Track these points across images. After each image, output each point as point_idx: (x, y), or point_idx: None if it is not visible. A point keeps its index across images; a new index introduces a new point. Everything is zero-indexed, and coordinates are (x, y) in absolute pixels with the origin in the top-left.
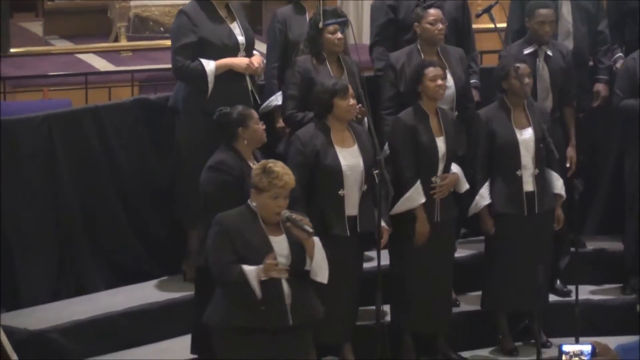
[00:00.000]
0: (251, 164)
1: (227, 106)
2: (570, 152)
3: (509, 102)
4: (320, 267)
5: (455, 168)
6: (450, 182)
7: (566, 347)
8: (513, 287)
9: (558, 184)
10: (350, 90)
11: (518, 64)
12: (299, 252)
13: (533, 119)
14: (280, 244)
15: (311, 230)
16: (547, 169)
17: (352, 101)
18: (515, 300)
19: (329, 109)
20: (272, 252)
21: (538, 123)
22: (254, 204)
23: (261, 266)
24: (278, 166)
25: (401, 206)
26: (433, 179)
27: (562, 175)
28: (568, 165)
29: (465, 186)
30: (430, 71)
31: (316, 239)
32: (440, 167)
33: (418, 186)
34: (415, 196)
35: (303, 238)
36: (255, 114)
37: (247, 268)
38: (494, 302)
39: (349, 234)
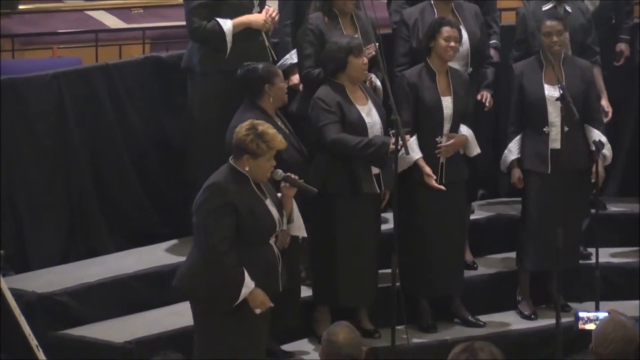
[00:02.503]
0: (277, 121)
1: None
2: (605, 103)
3: (543, 58)
4: (300, 222)
5: (465, 130)
6: (456, 143)
7: (582, 314)
8: (536, 246)
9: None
10: (364, 48)
11: (548, 21)
12: (280, 213)
13: (568, 76)
14: (271, 207)
15: (314, 189)
16: (586, 125)
17: (365, 59)
18: (538, 260)
19: (343, 67)
20: (274, 226)
21: (574, 80)
22: (247, 168)
23: (254, 291)
24: (267, 127)
25: (399, 166)
26: (437, 139)
27: None
28: (607, 110)
29: (476, 150)
30: (446, 30)
31: None
32: (447, 127)
33: (411, 142)
34: (409, 153)
35: (290, 196)
36: (280, 72)
37: (247, 280)
38: (519, 260)
39: (378, 191)
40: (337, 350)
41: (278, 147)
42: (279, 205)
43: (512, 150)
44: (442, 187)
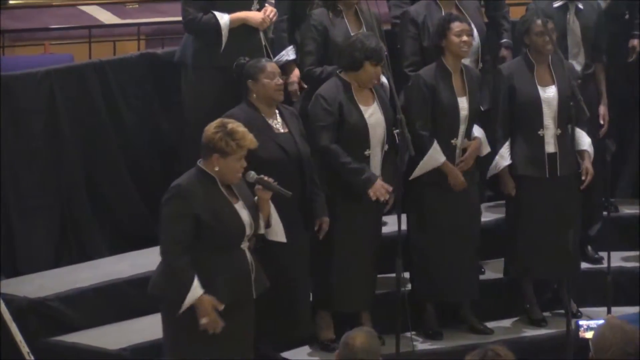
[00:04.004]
0: (270, 122)
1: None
2: (603, 109)
3: (532, 58)
4: (280, 227)
5: (477, 132)
6: (474, 150)
7: (582, 322)
8: (537, 254)
9: (586, 141)
10: (384, 60)
11: (539, 20)
12: (254, 216)
13: (558, 77)
14: (241, 210)
15: (289, 192)
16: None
17: (379, 71)
18: (540, 267)
19: (356, 68)
20: (243, 230)
21: (564, 81)
22: (216, 168)
23: (203, 299)
24: (236, 125)
25: (422, 168)
26: (453, 141)
27: (593, 135)
28: (602, 122)
29: (486, 149)
30: (457, 26)
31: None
32: (462, 129)
33: (436, 146)
34: (435, 156)
35: (265, 199)
36: (268, 68)
37: (194, 286)
38: (517, 269)
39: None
40: (352, 354)
41: (248, 147)
42: (254, 208)
43: (504, 156)
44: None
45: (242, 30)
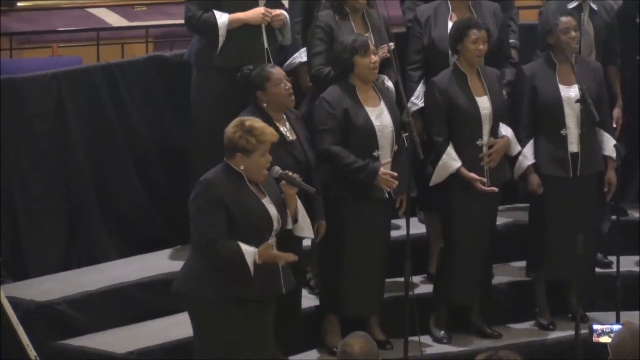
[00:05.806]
0: (280, 126)
1: (240, 63)
2: (617, 112)
3: (555, 58)
4: (307, 223)
5: (505, 130)
6: (501, 147)
7: (596, 326)
8: (555, 255)
9: (609, 146)
10: (372, 47)
11: (563, 17)
12: (282, 212)
13: (581, 77)
14: (269, 205)
15: (312, 188)
16: (597, 128)
17: (373, 58)
18: (557, 269)
19: (350, 68)
20: (270, 225)
21: (585, 81)
22: (242, 167)
23: (258, 250)
24: (254, 121)
25: (438, 175)
26: (478, 142)
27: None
28: (615, 126)
29: (516, 148)
30: (474, 33)
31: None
32: (486, 128)
33: (450, 152)
34: (449, 162)
35: (291, 194)
36: (274, 75)
37: (244, 248)
38: (534, 270)
39: (387, 196)
40: None
41: (269, 140)
42: (281, 204)
43: (527, 156)
44: (494, 189)
45: (244, 32)
